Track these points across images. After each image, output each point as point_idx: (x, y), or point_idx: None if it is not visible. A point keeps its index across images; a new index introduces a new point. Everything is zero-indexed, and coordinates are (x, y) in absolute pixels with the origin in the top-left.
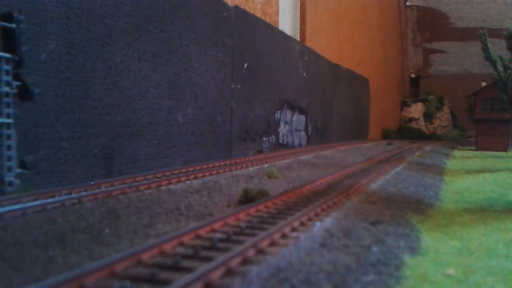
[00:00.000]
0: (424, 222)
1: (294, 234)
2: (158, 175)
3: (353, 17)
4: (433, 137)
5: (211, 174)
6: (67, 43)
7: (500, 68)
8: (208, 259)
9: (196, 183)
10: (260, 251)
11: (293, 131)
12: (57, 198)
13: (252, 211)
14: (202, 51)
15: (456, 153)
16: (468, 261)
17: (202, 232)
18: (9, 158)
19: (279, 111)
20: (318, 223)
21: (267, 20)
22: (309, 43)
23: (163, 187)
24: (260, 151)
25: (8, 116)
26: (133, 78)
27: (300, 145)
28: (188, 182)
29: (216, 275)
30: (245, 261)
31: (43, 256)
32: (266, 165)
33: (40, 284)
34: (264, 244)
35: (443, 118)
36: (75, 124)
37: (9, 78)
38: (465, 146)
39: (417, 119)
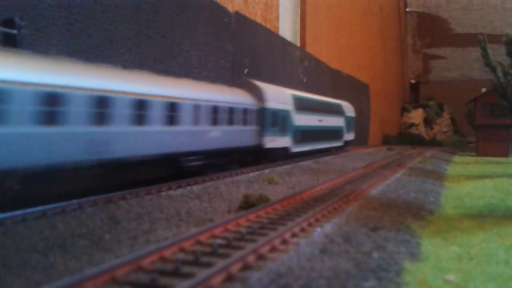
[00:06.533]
0: (425, 228)
1: (295, 239)
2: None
3: (353, 23)
4: (433, 143)
5: (211, 180)
6: (68, 48)
7: (500, 74)
8: (208, 265)
9: (197, 188)
10: (261, 257)
11: None
12: (57, 204)
13: (252, 216)
14: (202, 57)
15: (457, 158)
16: (468, 267)
17: (202, 238)
18: None
19: None
20: (318, 229)
21: (268, 26)
22: (309, 49)
23: (163, 193)
24: None
25: None
26: None
27: None
28: (189, 187)
29: (216, 281)
30: (246, 267)
31: (44, 262)
32: (266, 170)
33: None
34: (264, 249)
35: (443, 124)
36: None
37: None
38: (465, 152)
39: (417, 125)
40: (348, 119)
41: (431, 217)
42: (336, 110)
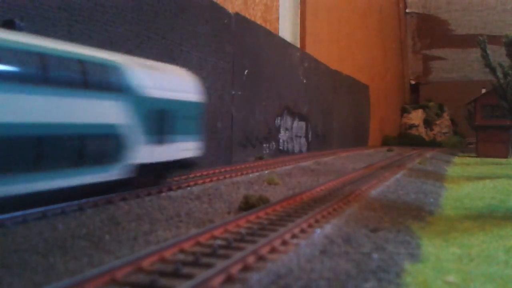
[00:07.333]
0: (425, 229)
1: (295, 240)
2: None
3: (353, 24)
4: (433, 144)
5: (211, 181)
6: None
7: (500, 75)
8: (208, 266)
9: (197, 189)
10: (261, 258)
11: (293, 138)
12: (57, 205)
13: (252, 217)
14: (202, 58)
15: (457, 159)
16: (468, 268)
17: (202, 239)
18: None
19: (279, 118)
20: (318, 230)
21: (268, 27)
22: (309, 50)
23: (164, 194)
24: (261, 158)
25: None
26: None
27: (300, 151)
28: (189, 188)
29: (216, 282)
30: (246, 268)
31: (44, 263)
32: (266, 171)
33: None
34: (264, 250)
35: (443, 125)
36: None
37: None
38: (465, 153)
39: (417, 126)
40: (160, 106)
41: (431, 218)
42: (73, 79)
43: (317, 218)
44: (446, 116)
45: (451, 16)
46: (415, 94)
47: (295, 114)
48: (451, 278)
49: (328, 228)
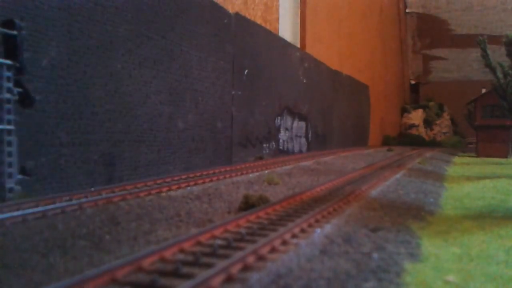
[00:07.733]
0: (425, 229)
1: (295, 240)
2: (158, 182)
3: (353, 24)
4: (433, 144)
5: (211, 181)
6: (68, 49)
7: (500, 75)
8: (208, 266)
9: (197, 189)
10: (261, 258)
11: (293, 137)
12: (57, 205)
13: (252, 217)
14: (202, 58)
15: (457, 159)
16: (468, 268)
17: (202, 239)
18: (9, 165)
19: (279, 117)
20: (318, 230)
21: (268, 27)
22: (309, 50)
23: (164, 194)
24: (261, 157)
25: (9, 122)
26: (134, 85)
27: (300, 151)
28: (189, 188)
29: (216, 282)
30: (246, 268)
31: (44, 263)
32: (266, 171)
33: None
34: (264, 250)
35: (443, 125)
36: (76, 131)
37: (10, 84)
38: (465, 153)
39: (417, 126)
40: None
41: (431, 218)
42: None
43: (317, 217)
44: (446, 116)
45: (451, 16)
46: (415, 94)
47: (295, 114)
48: (451, 277)
49: (328, 228)
